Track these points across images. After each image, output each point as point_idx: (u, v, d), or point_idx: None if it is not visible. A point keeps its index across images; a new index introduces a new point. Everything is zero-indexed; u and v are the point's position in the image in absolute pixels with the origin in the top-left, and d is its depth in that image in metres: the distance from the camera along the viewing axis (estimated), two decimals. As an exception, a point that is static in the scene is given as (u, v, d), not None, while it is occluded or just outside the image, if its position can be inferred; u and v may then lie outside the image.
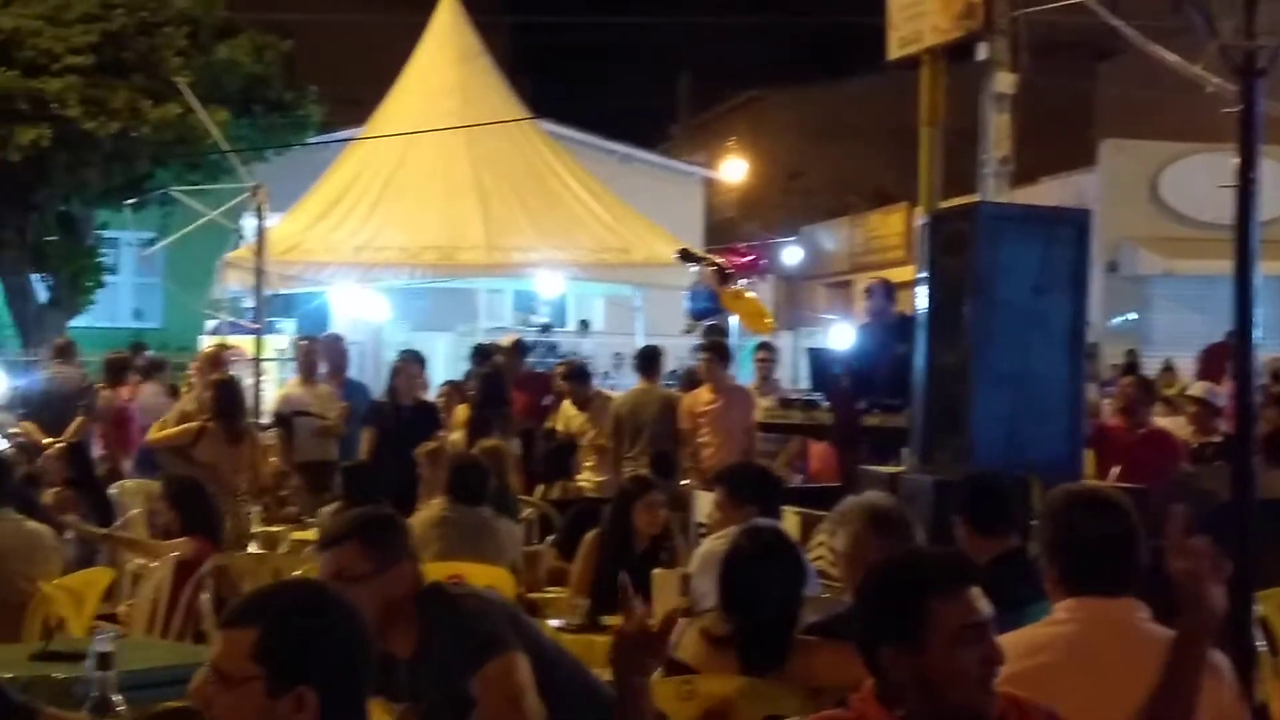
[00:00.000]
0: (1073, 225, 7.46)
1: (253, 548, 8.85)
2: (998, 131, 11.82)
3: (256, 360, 13.08)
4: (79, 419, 11.79)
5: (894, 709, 2.90)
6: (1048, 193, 21.54)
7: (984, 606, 2.90)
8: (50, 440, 10.95)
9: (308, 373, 11.95)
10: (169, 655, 5.47)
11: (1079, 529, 3.65)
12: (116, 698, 3.47)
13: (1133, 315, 23.73)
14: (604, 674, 3.90)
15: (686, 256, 15.99)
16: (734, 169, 34.64)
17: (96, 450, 11.69)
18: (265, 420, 12.14)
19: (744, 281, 15.88)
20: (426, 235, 17.36)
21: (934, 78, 12.32)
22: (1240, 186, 5.33)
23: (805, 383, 12.69)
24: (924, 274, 7.43)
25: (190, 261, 18.58)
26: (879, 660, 2.91)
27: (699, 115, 41.29)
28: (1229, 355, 8.59)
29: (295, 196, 18.16)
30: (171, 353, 16.96)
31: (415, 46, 19.43)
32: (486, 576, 6.46)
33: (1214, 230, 18.59)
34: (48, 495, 8.66)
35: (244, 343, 13.90)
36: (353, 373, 13.38)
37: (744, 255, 24.58)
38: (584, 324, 23.16)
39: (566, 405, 11.81)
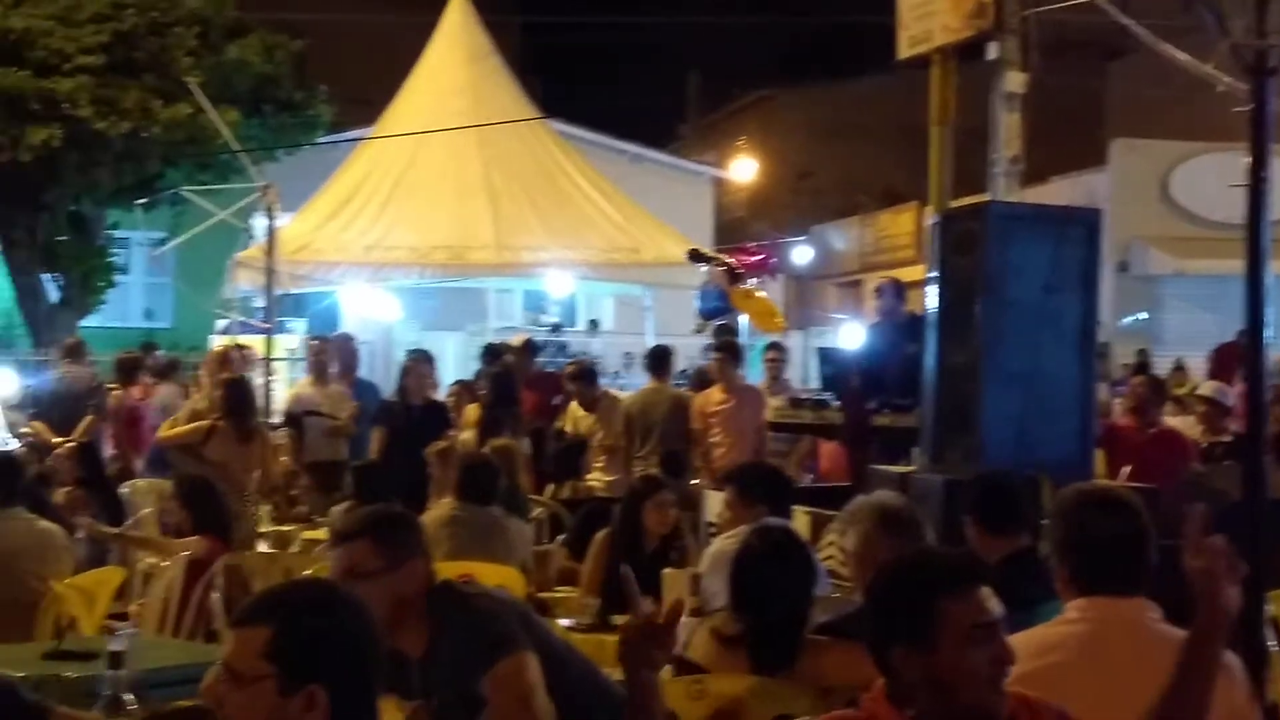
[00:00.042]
0: (1083, 225, 7.46)
1: (263, 547, 8.87)
2: (1008, 131, 11.78)
3: (267, 360, 13.10)
4: (88, 418, 11.82)
5: (904, 709, 2.90)
6: (1058, 192, 21.50)
7: (994, 606, 2.90)
8: (60, 440, 10.98)
9: (319, 373, 11.95)
10: (180, 654, 5.48)
11: (1090, 528, 3.65)
12: (128, 696, 3.48)
13: (1143, 315, 23.70)
14: (615, 673, 3.90)
15: (696, 257, 15.98)
16: (744, 168, 34.63)
17: (107, 450, 11.71)
18: (276, 420, 12.16)
19: (754, 281, 15.85)
20: (437, 235, 17.37)
21: (944, 77, 12.28)
22: (1251, 186, 5.32)
23: (815, 382, 12.69)
24: (934, 273, 7.43)
25: (201, 261, 18.59)
26: (890, 660, 2.91)
27: (709, 115, 41.30)
28: (1240, 355, 8.58)
29: (305, 196, 18.19)
30: (182, 352, 16.98)
31: (425, 46, 19.44)
32: (497, 576, 6.46)
33: (1225, 230, 18.54)
34: (59, 495, 8.68)
35: (255, 342, 13.91)
36: (363, 372, 13.39)
37: (754, 255, 24.51)
38: (593, 324, 23.16)
39: (574, 406, 11.82)
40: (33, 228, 21.34)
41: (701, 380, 11.92)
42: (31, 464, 8.88)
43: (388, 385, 12.87)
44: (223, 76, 20.60)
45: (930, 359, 7.38)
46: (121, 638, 3.50)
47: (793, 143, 36.42)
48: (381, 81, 19.88)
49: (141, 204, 18.98)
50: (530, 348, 14.46)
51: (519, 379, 12.73)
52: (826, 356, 11.18)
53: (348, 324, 18.24)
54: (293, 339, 17.93)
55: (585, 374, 12.07)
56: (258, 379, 12.06)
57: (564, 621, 6.23)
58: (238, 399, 10.03)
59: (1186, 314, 23.18)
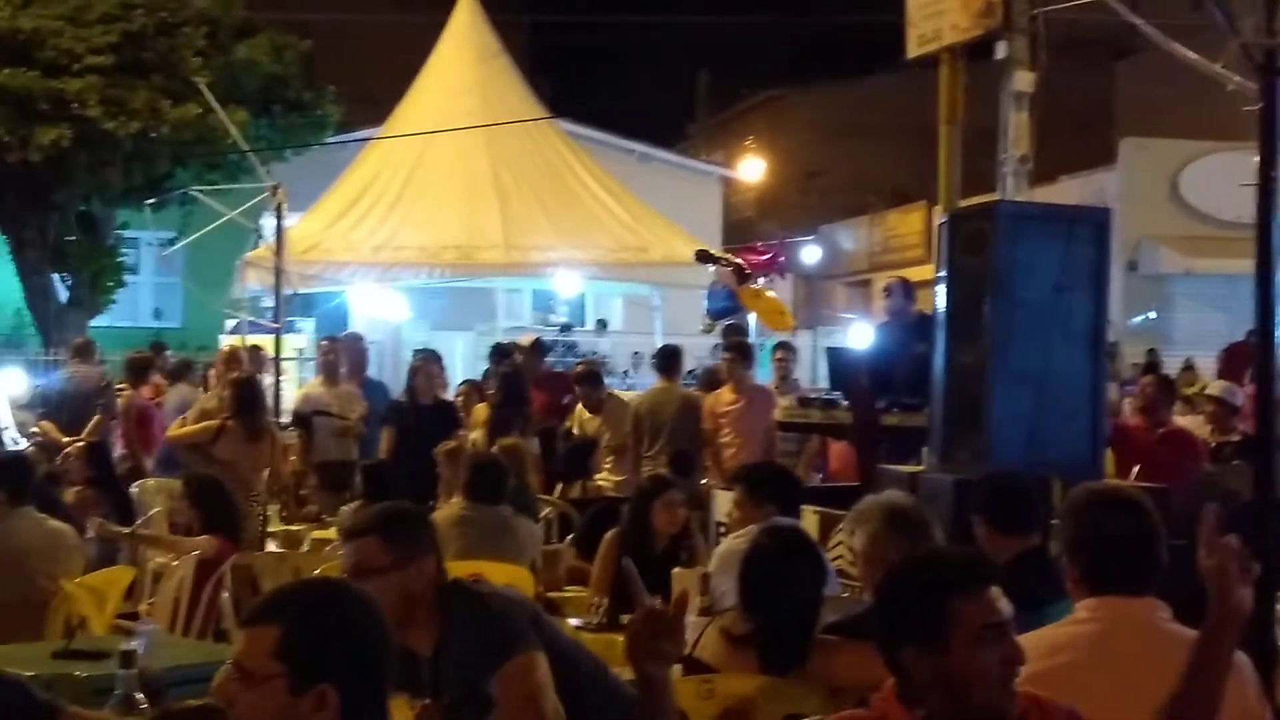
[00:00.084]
0: (1092, 224, 7.43)
1: (271, 546, 8.88)
2: (1017, 130, 11.78)
3: (276, 360, 13.12)
4: (97, 418, 11.84)
5: (915, 709, 2.90)
6: (1067, 191, 21.48)
7: (1004, 606, 2.90)
8: (69, 439, 11.00)
9: (329, 373, 11.95)
10: (191, 653, 5.49)
11: (1100, 528, 3.65)
12: (139, 695, 3.49)
13: (1152, 314, 23.66)
14: (625, 673, 3.90)
15: (703, 257, 15.97)
16: (752, 168, 34.61)
17: (117, 449, 11.73)
18: (285, 420, 12.17)
19: (763, 280, 15.83)
20: (445, 235, 17.38)
21: (953, 76, 12.28)
22: (1261, 185, 5.31)
23: (824, 382, 12.67)
24: (943, 273, 7.41)
25: (210, 261, 18.63)
26: (900, 660, 2.91)
27: (717, 114, 41.29)
28: (1250, 354, 8.57)
29: (314, 196, 18.20)
30: (191, 352, 17.00)
31: (434, 46, 19.46)
32: (506, 575, 6.46)
33: (1235, 229, 18.57)
34: (69, 494, 8.70)
35: (264, 342, 13.93)
36: (371, 372, 13.40)
37: (762, 254, 24.50)
38: (602, 323, 23.16)
39: (580, 409, 11.83)
40: (42, 228, 21.37)
41: (710, 380, 11.91)
42: (41, 463, 8.91)
43: (396, 385, 12.87)
44: (231, 76, 20.63)
45: (939, 358, 7.36)
46: (143, 634, 3.51)
47: (801, 142, 36.41)
48: (390, 81, 19.91)
49: (151, 204, 19.00)
50: (539, 347, 14.47)
51: (528, 379, 12.74)
52: (835, 356, 11.16)
53: (356, 324, 18.27)
54: (301, 339, 17.96)
55: (589, 377, 12.06)
56: (267, 379, 12.07)
57: (573, 621, 6.23)
58: (247, 398, 10.03)
59: (1196, 313, 23.14)
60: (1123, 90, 28.74)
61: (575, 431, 11.86)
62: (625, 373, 19.49)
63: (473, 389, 12.89)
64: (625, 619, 5.96)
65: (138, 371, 12.74)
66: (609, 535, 7.21)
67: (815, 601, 4.57)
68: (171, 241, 18.88)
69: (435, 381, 11.57)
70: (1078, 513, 3.75)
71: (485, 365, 14.50)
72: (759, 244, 26.57)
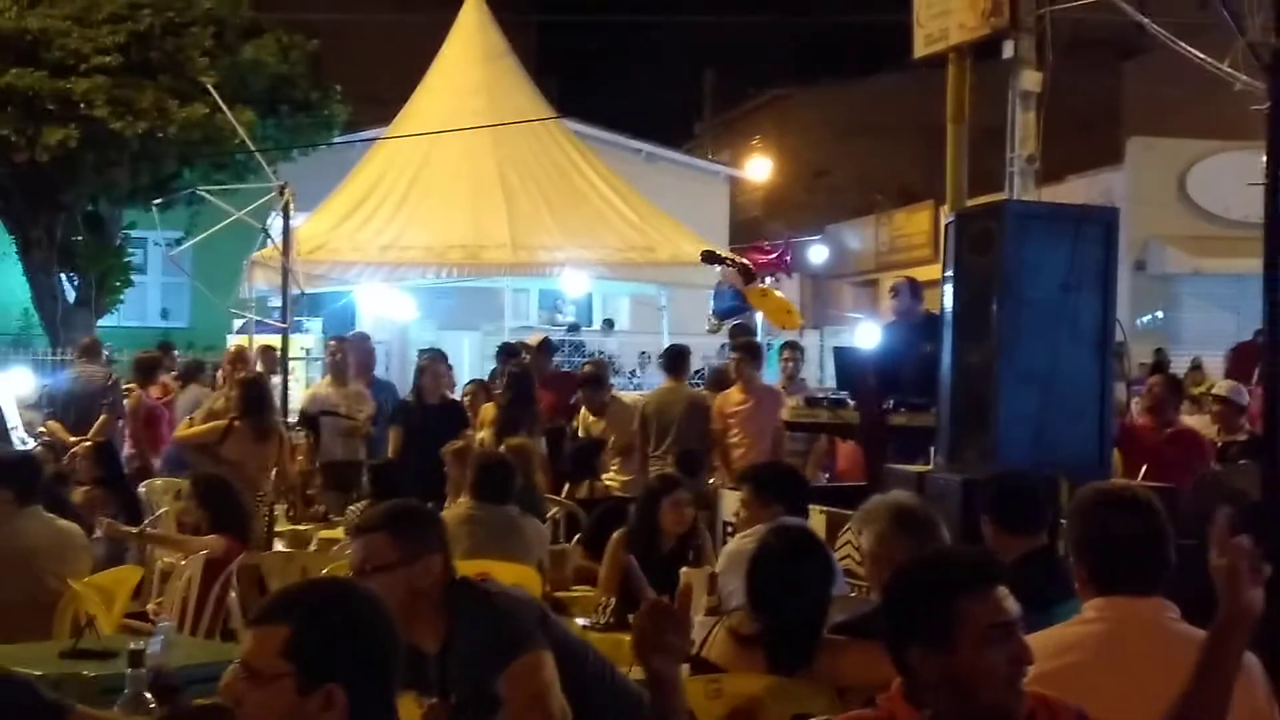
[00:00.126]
0: (1100, 223, 7.42)
1: (279, 546, 8.88)
2: (1024, 129, 11.77)
3: (284, 359, 13.12)
4: (103, 417, 11.85)
5: (922, 708, 2.90)
6: (1075, 191, 21.47)
7: (1012, 606, 2.90)
8: (77, 439, 11.01)
9: (337, 373, 11.95)
10: (199, 652, 5.50)
11: (1108, 528, 3.64)
12: (147, 694, 3.50)
13: (1160, 314, 23.64)
14: (632, 673, 3.90)
15: (710, 258, 15.97)
16: (759, 167, 34.62)
17: (125, 449, 11.74)
18: (292, 420, 12.17)
19: (769, 280, 15.83)
20: (452, 234, 17.39)
21: (960, 75, 12.27)
22: (1268, 184, 5.31)
23: (831, 382, 12.67)
24: (950, 272, 7.40)
25: (217, 261, 18.61)
26: (907, 660, 2.90)
27: (724, 114, 41.30)
28: (1258, 354, 8.56)
29: (321, 196, 18.23)
30: (198, 352, 17.02)
31: (440, 46, 19.48)
32: (513, 575, 6.46)
33: (1242, 228, 18.58)
34: (77, 494, 8.70)
35: (271, 342, 13.94)
36: (379, 372, 13.40)
37: (769, 254, 24.54)
38: (609, 323, 23.16)
39: (584, 412, 11.83)
40: (50, 228, 21.41)
41: (718, 380, 11.90)
42: (49, 463, 8.92)
43: (404, 385, 12.87)
44: (238, 76, 20.65)
45: (946, 358, 7.36)
46: (159, 634, 3.52)
47: (808, 141, 36.41)
48: (396, 81, 19.95)
49: (158, 204, 18.92)
50: (546, 347, 14.46)
51: (535, 378, 12.73)
52: (842, 356, 11.15)
53: (364, 323, 18.29)
54: (309, 339, 17.97)
55: (592, 380, 12.03)
56: (274, 378, 12.07)
57: (580, 620, 6.23)
58: (254, 398, 10.03)
59: (1203, 313, 23.13)
60: (1130, 90, 28.72)
61: (581, 434, 11.86)
62: (632, 372, 19.50)
63: (480, 389, 12.89)
64: (632, 618, 5.99)
65: (145, 371, 12.75)
66: (616, 535, 7.21)
67: (823, 601, 4.57)
68: (179, 241, 18.90)
69: (442, 381, 11.57)
70: (1085, 512, 3.74)
71: (492, 365, 14.50)
72: (766, 243, 26.61)
